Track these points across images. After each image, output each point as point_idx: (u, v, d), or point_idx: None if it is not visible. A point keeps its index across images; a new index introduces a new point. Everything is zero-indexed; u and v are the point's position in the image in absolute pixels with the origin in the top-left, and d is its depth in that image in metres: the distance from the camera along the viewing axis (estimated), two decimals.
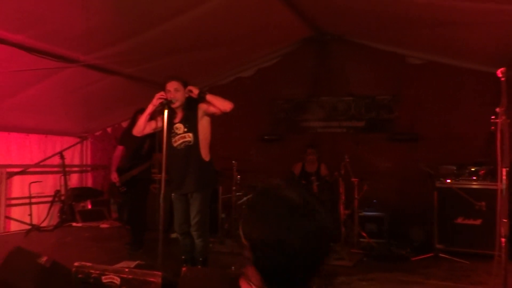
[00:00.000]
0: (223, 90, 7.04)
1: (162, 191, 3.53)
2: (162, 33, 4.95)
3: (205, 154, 3.94)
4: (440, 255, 5.04)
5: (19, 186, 6.87)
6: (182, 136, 3.88)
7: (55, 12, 4.15)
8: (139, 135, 4.06)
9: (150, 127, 3.97)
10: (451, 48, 5.62)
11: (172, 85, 3.84)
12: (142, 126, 3.94)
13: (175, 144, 3.90)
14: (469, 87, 6.02)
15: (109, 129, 8.20)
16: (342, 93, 6.82)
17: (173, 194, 4.03)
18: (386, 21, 5.33)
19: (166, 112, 3.65)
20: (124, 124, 7.91)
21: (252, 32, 5.73)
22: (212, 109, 3.85)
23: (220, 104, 3.80)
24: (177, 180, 3.95)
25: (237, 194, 5.99)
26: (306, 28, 6.31)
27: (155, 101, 3.73)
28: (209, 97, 3.81)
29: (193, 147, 3.87)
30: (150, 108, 3.81)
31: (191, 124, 3.88)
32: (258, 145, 7.20)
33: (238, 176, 6.01)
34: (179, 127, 3.90)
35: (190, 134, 3.87)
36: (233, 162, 5.96)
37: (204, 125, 3.93)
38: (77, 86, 5.79)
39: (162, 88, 3.86)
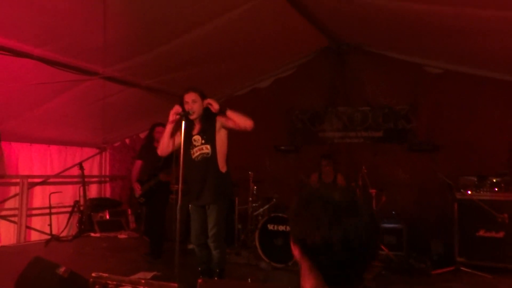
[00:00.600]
0: (240, 101, 7.09)
1: (179, 202, 3.54)
2: (180, 45, 5.02)
3: (222, 166, 3.94)
4: (462, 268, 4.91)
5: (40, 197, 7.00)
6: (200, 148, 3.89)
7: (75, 26, 4.25)
8: (165, 154, 4.01)
9: (174, 144, 3.89)
10: (470, 57, 5.54)
11: (189, 97, 3.83)
12: (166, 146, 3.89)
13: (193, 156, 3.91)
14: (489, 96, 5.91)
15: (127, 140, 8.32)
16: (359, 103, 6.77)
17: (190, 205, 4.03)
18: (403, 30, 5.30)
19: (183, 124, 3.63)
20: (142, 135, 8.02)
21: (269, 43, 5.76)
22: (230, 124, 3.82)
23: (241, 122, 3.75)
24: (194, 191, 3.95)
25: (254, 205, 5.98)
26: (323, 38, 6.32)
27: (171, 118, 3.72)
28: (229, 113, 3.76)
29: (211, 159, 3.87)
30: (169, 127, 3.80)
31: (208, 136, 3.89)
32: (275, 155, 7.19)
33: (255, 187, 6.00)
34: (197, 139, 3.91)
35: (208, 146, 3.87)
36: (250, 173, 5.96)
37: (221, 137, 3.93)
38: (97, 98, 5.90)
39: (180, 99, 3.86)
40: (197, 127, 3.95)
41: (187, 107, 3.77)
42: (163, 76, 5.94)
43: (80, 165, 7.18)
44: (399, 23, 5.01)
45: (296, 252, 1.08)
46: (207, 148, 3.87)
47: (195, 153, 3.91)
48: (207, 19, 4.61)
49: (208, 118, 3.90)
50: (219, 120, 3.88)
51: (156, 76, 5.92)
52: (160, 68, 5.67)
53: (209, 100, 3.80)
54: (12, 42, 4.27)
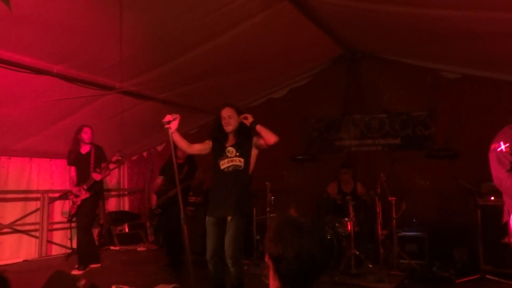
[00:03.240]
0: (255, 111, 7.01)
1: (182, 213, 3.54)
2: (194, 58, 5.07)
3: (248, 182, 3.99)
4: (487, 276, 4.79)
5: (60, 211, 7.09)
6: (233, 159, 3.91)
7: (92, 42, 4.33)
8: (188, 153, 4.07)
9: (195, 149, 4.05)
10: (487, 61, 5.44)
11: (226, 112, 3.97)
12: (186, 148, 3.98)
13: (222, 167, 3.91)
14: (508, 100, 5.79)
15: (145, 154, 8.40)
16: (376, 110, 6.71)
17: (207, 218, 3.94)
18: (418, 36, 5.25)
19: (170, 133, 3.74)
20: (159, 148, 8.13)
21: (283, 53, 5.77)
22: (261, 142, 3.91)
23: (267, 136, 3.85)
24: (218, 202, 3.89)
25: (271, 215, 5.95)
26: (337, 46, 6.30)
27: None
28: (259, 127, 3.87)
29: (242, 172, 3.88)
30: (174, 136, 3.82)
31: (243, 150, 3.93)
32: (291, 165, 7.16)
33: (272, 197, 5.97)
34: (231, 151, 3.93)
35: (241, 159, 3.89)
36: (267, 183, 5.94)
37: (253, 156, 4.00)
38: (114, 113, 5.98)
39: (218, 115, 4.02)
40: (231, 140, 3.99)
41: (224, 122, 3.93)
42: (179, 89, 5.99)
43: None
44: (413, 29, 4.96)
45: (266, 259, 1.39)
46: (240, 161, 3.89)
47: (226, 163, 3.91)
48: (220, 31, 4.65)
49: (245, 134, 3.96)
50: (254, 140, 3.96)
51: (172, 89, 5.98)
52: (176, 81, 5.72)
53: (245, 114, 3.97)
54: (32, 60, 4.37)
